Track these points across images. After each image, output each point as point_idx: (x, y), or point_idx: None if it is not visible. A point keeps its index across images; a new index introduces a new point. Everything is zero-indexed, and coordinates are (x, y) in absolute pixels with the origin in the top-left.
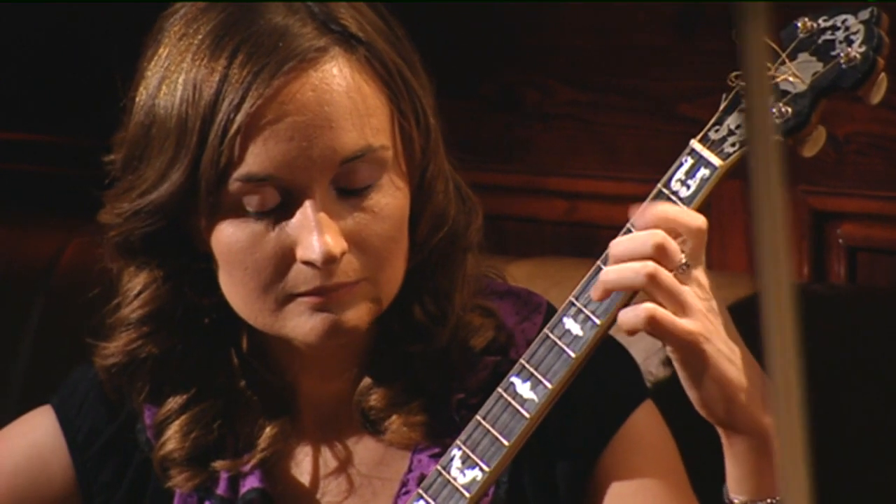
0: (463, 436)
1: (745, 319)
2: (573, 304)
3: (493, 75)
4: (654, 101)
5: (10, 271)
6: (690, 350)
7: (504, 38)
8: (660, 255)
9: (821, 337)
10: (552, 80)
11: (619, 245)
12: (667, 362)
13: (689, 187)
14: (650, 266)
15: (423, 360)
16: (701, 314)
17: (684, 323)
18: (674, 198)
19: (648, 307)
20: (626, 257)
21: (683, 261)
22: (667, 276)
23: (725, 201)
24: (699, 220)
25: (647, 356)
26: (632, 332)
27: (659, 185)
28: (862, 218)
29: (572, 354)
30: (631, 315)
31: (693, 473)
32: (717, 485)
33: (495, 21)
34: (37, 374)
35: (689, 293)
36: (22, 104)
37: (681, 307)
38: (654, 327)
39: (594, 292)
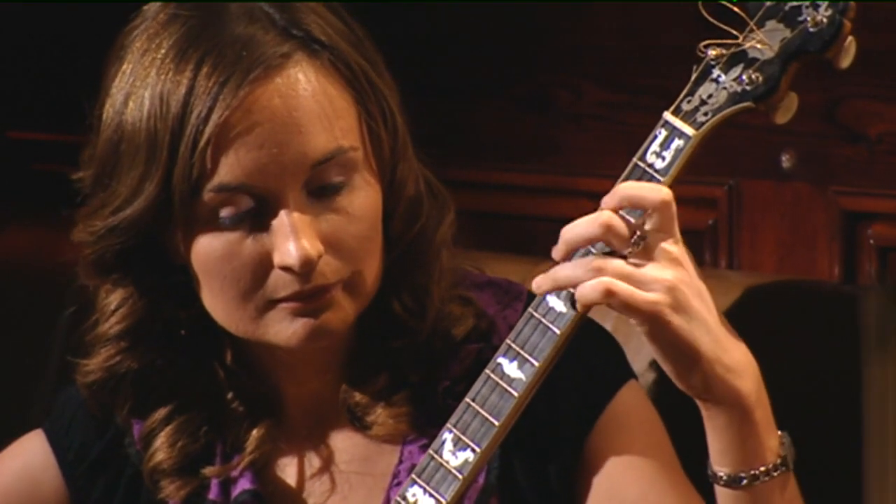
0: (453, 419)
1: (774, 320)
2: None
3: (525, 76)
4: None
5: (41, 272)
6: (655, 322)
7: (535, 39)
8: (608, 233)
9: (851, 338)
10: (583, 80)
11: (569, 231)
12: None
13: (664, 159)
14: (593, 261)
15: (406, 353)
16: (665, 287)
17: (645, 296)
18: (649, 170)
19: (604, 281)
20: (575, 241)
21: (637, 234)
22: (615, 263)
23: (755, 202)
24: (662, 193)
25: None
26: (587, 307)
27: (634, 160)
28: (893, 218)
29: (557, 331)
30: (588, 289)
31: (681, 454)
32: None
33: (526, 22)
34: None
35: (652, 267)
36: (58, 105)
37: (639, 282)
38: (611, 301)
39: (537, 286)
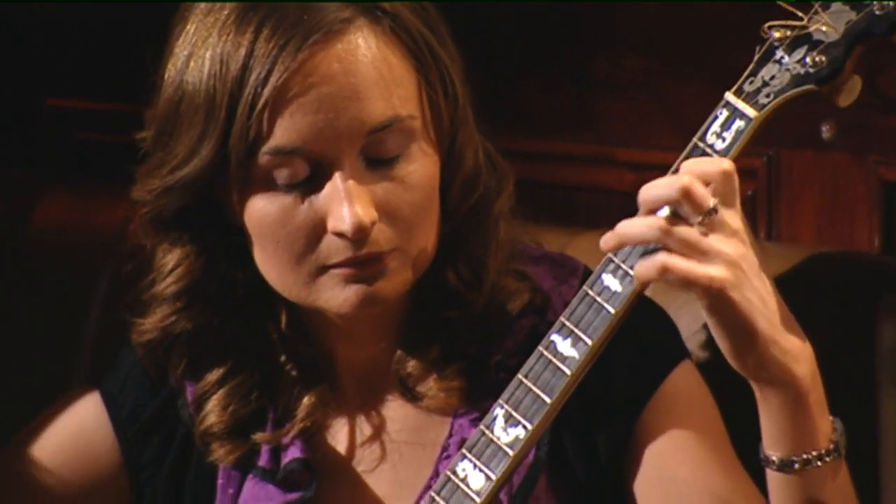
0: (505, 395)
1: (813, 291)
2: (611, 260)
3: (564, 47)
4: (724, 71)
5: (79, 239)
6: (716, 297)
7: (575, 9)
8: (685, 197)
9: (892, 309)
10: (623, 51)
11: (646, 191)
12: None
13: (724, 140)
14: (661, 221)
15: (460, 326)
16: (727, 261)
17: (707, 270)
18: (709, 151)
19: (661, 257)
20: (652, 202)
21: (712, 205)
22: (683, 228)
23: (795, 172)
24: (724, 164)
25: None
26: (644, 284)
27: (694, 139)
28: None
29: (611, 310)
30: (644, 266)
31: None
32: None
33: None
34: (105, 343)
35: (715, 239)
36: (93, 72)
37: (703, 255)
38: (668, 277)
39: (604, 242)
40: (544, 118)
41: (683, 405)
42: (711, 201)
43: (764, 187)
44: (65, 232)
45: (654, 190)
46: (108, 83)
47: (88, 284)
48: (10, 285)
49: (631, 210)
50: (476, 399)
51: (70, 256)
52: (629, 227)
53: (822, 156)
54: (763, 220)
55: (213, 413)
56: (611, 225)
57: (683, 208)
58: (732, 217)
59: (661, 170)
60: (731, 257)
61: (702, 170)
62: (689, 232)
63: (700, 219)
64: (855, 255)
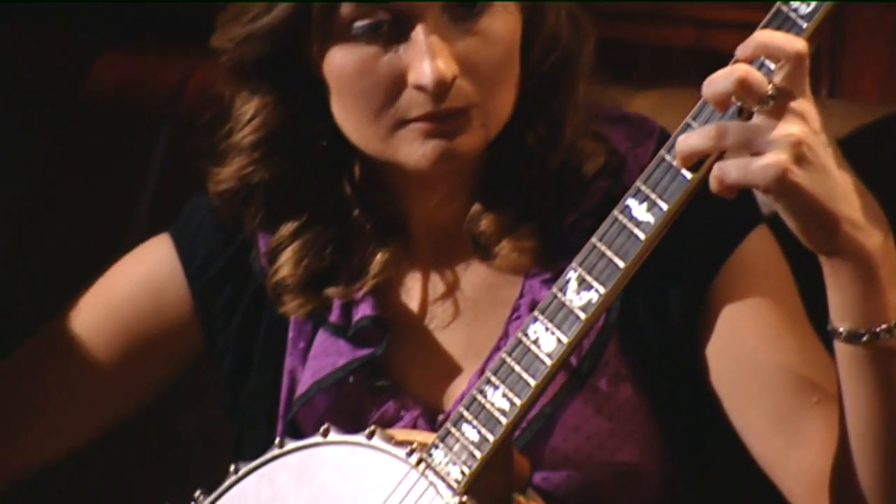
0: (578, 258)
1: (877, 149)
2: (689, 125)
3: None
4: None
5: (137, 100)
6: (780, 183)
7: None
8: (742, 88)
9: None
10: None
11: (707, 87)
12: None
13: (808, 4)
14: (713, 130)
15: (535, 185)
16: (788, 145)
17: (764, 160)
18: (793, 15)
19: (714, 171)
20: (713, 98)
21: (770, 92)
22: (735, 128)
23: (860, 29)
24: (798, 45)
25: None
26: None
27: (778, 4)
28: None
29: (688, 176)
30: (716, 177)
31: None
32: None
33: None
34: (163, 203)
35: (776, 125)
36: None
37: (761, 146)
38: (727, 185)
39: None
40: None
41: (757, 271)
42: (770, 88)
43: (827, 43)
44: (122, 92)
45: (712, 87)
46: None
47: (145, 144)
48: (67, 146)
49: (690, 67)
50: (548, 260)
51: (127, 116)
52: (689, 140)
53: (887, 10)
54: (825, 78)
55: (286, 265)
56: (670, 82)
57: (742, 98)
58: (799, 100)
59: (722, 26)
60: (796, 138)
61: (776, 45)
62: (741, 130)
63: (760, 107)
64: None
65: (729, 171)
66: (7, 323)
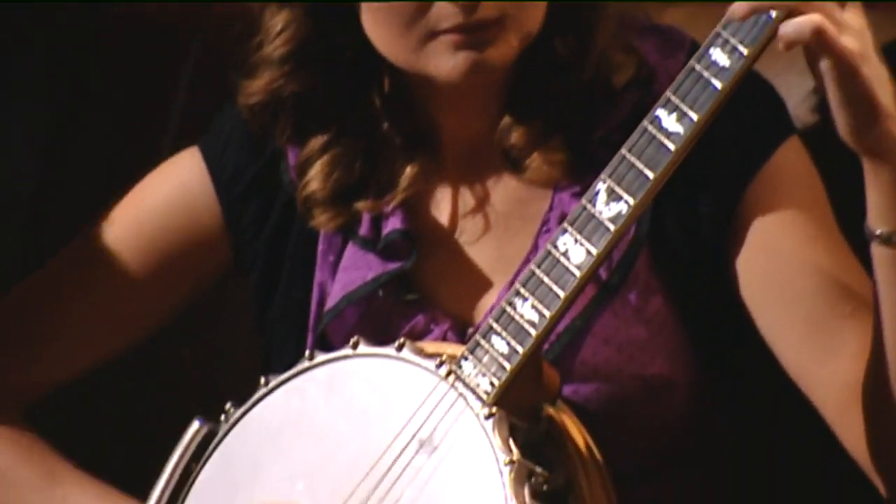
0: (608, 170)
1: None
2: (720, 34)
3: None
4: None
5: (166, 14)
6: (847, 70)
7: None
8: (817, 40)
9: None
10: None
11: (784, 28)
12: (815, 109)
13: None
14: None
15: (565, 97)
16: (857, 33)
17: (845, 40)
18: None
19: (815, 19)
20: (785, 41)
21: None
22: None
23: None
24: None
25: (798, 101)
26: (790, 46)
27: None
28: None
29: (718, 86)
30: (794, 27)
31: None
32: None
33: None
34: (193, 117)
35: (847, 12)
36: None
37: (840, 25)
38: (818, 41)
39: (737, 10)
40: None
41: (789, 182)
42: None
43: None
44: (151, 6)
45: (787, 28)
46: None
47: (175, 58)
48: (96, 61)
49: None
50: (578, 172)
51: (156, 30)
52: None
53: None
54: None
55: (316, 179)
56: None
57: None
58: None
59: None
60: (862, 29)
61: None
62: (826, 2)
63: None
64: None
65: (829, 31)
66: (40, 242)
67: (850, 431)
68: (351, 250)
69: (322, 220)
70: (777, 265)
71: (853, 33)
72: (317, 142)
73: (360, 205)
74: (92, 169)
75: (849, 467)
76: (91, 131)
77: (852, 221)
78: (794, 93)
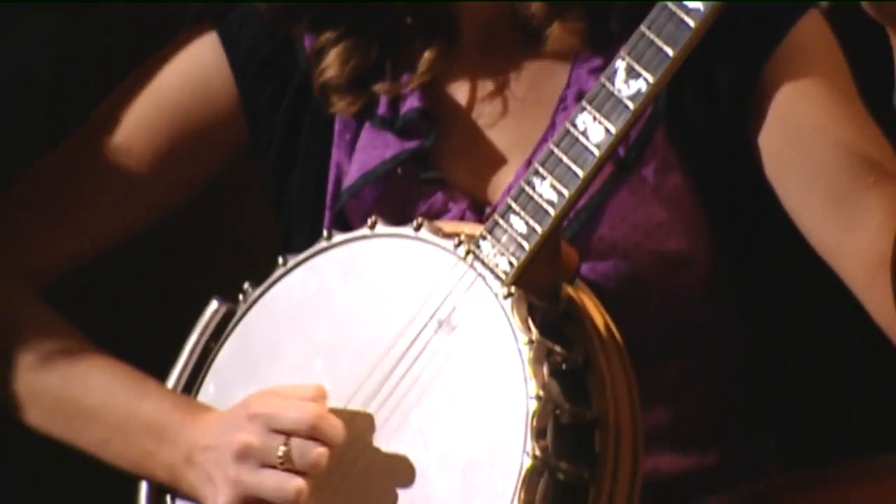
0: (626, 47)
1: None
2: None
3: None
4: None
5: None
6: None
7: None
8: None
9: None
10: None
11: None
12: None
13: None
14: None
15: None
16: None
17: None
18: None
19: None
20: None
21: None
22: None
23: None
24: None
25: None
26: None
27: None
28: None
29: None
30: None
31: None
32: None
33: None
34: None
35: None
36: None
37: None
38: None
39: None
40: None
41: (811, 54)
42: None
43: None
44: None
45: None
46: None
47: None
48: None
49: None
50: (596, 47)
51: None
52: None
53: None
54: None
55: (332, 66)
56: None
57: None
58: None
59: None
60: None
61: None
62: None
63: None
64: None
65: None
66: (62, 124)
67: (878, 302)
68: (368, 130)
69: (341, 107)
70: (799, 138)
71: None
72: (334, 28)
73: (378, 87)
74: (110, 54)
75: (866, 338)
76: (106, 18)
77: (877, 95)
78: None
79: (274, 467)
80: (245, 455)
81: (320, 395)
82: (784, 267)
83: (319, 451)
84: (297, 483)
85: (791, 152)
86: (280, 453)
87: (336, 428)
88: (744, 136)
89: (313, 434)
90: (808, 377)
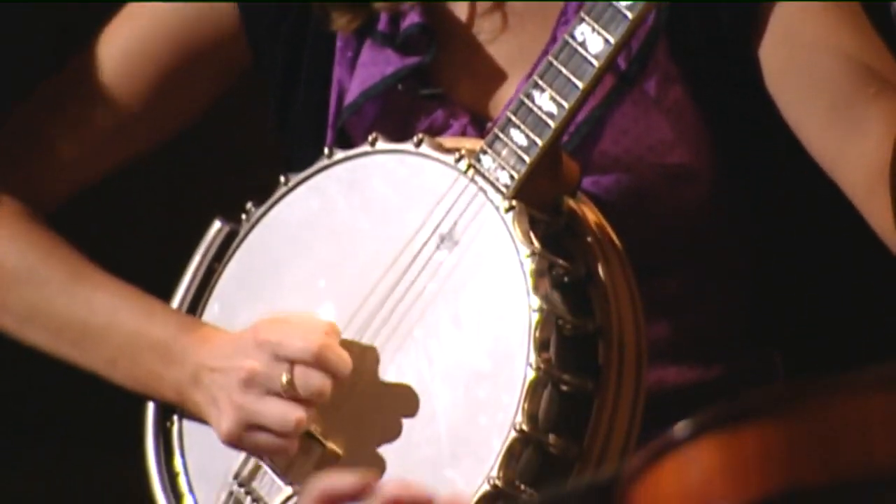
0: None
1: None
2: None
3: None
4: None
5: None
6: None
7: None
8: None
9: None
10: None
11: None
12: None
13: None
14: None
15: None
16: None
17: None
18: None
19: None
20: None
21: None
22: None
23: None
24: None
25: None
26: None
27: None
28: None
29: None
30: None
31: None
32: None
33: None
34: None
35: None
36: None
37: None
38: None
39: None
40: None
41: None
42: None
43: None
44: None
45: None
46: None
47: None
48: None
49: None
50: None
51: None
52: None
53: None
54: None
55: None
56: None
57: None
58: None
59: None
60: None
61: None
62: None
63: None
64: None
65: None
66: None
67: (878, 212)
68: (369, 47)
69: (342, 23)
70: (801, 49)
71: None
72: None
73: (378, 5)
74: None
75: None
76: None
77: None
78: None
79: (279, 395)
80: (250, 381)
81: (332, 332)
82: (786, 180)
83: (323, 381)
84: (298, 414)
85: (793, 63)
86: (283, 381)
87: (342, 358)
88: (745, 49)
89: (318, 364)
90: (812, 291)
